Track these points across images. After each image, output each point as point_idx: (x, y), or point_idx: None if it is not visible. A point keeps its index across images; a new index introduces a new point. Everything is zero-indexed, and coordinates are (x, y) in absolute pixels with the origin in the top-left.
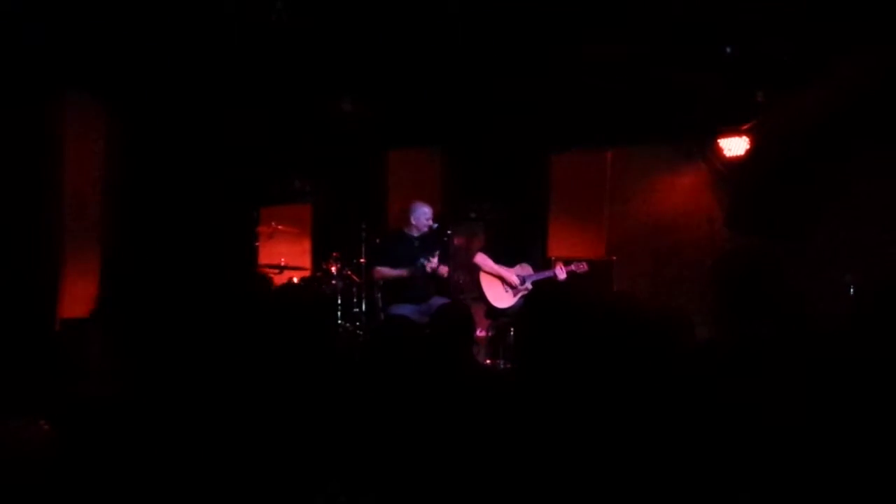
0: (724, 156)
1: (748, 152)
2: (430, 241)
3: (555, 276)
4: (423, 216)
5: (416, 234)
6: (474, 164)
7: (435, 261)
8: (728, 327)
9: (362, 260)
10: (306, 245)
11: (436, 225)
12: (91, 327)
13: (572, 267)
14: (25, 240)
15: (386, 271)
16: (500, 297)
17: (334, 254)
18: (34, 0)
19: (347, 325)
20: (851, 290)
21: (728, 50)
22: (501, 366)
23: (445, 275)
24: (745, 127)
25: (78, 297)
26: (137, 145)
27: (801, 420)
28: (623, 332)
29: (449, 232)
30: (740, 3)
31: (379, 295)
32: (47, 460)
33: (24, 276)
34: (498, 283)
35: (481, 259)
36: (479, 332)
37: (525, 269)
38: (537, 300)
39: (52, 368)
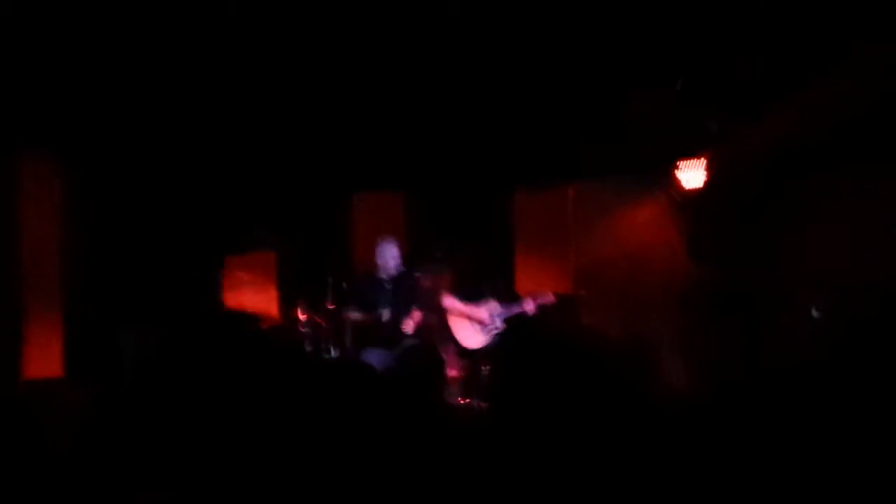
0: (681, 186)
1: (705, 181)
2: (400, 284)
3: (523, 311)
4: (390, 258)
5: (385, 276)
6: (438, 205)
7: (411, 323)
8: (697, 359)
9: (330, 305)
10: (272, 293)
11: (402, 267)
12: (57, 387)
13: (539, 299)
14: None
15: (354, 316)
16: (471, 338)
17: (301, 301)
18: None
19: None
20: (815, 315)
21: (678, 86)
22: (476, 405)
23: (417, 320)
24: (700, 156)
25: (42, 358)
26: (95, 200)
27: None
28: (589, 368)
29: (417, 275)
30: (693, 34)
31: (349, 339)
32: None
33: None
34: (467, 323)
35: (449, 301)
36: (452, 372)
37: (493, 306)
38: (511, 339)
39: (17, 429)
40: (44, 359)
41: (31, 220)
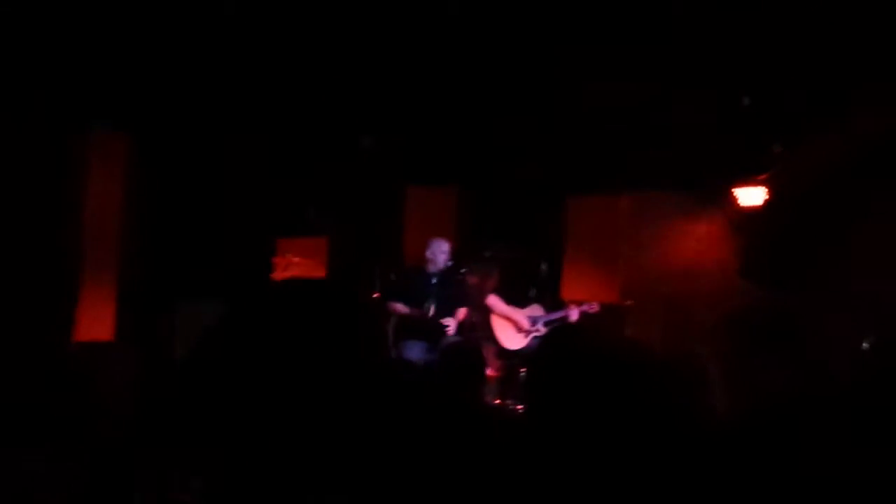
0: (739, 205)
1: (764, 202)
2: (447, 280)
3: (567, 316)
4: (440, 252)
5: (433, 270)
6: (491, 204)
7: (453, 323)
8: (739, 382)
9: (376, 294)
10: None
11: (451, 263)
12: (107, 351)
13: (584, 307)
14: (45, 264)
15: (399, 308)
16: (511, 339)
17: None
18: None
19: None
20: (865, 347)
21: (746, 101)
22: (511, 406)
23: (462, 317)
24: (761, 177)
25: (94, 322)
26: (157, 175)
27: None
28: (634, 384)
29: (463, 271)
30: (757, 53)
31: (391, 331)
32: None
33: (42, 298)
34: (509, 324)
35: (493, 301)
36: (490, 372)
37: (537, 309)
38: (551, 343)
39: (68, 390)
40: (96, 323)
41: (95, 190)
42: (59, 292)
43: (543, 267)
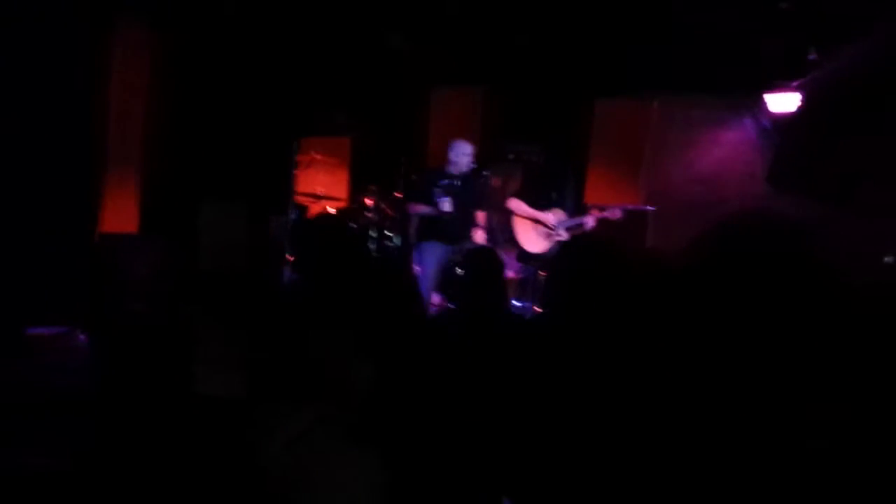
0: (771, 111)
1: (797, 109)
2: (470, 182)
3: (586, 222)
4: (463, 154)
5: (455, 172)
6: (516, 106)
7: (481, 234)
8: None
9: (398, 194)
10: (343, 177)
11: (473, 165)
12: (130, 243)
13: (606, 213)
14: (71, 157)
15: (419, 208)
16: (533, 242)
17: (371, 187)
18: None
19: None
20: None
21: (784, 4)
22: (530, 307)
23: (482, 221)
24: (795, 83)
25: (117, 214)
26: (182, 71)
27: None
28: (649, 298)
29: (486, 173)
30: None
31: (413, 230)
32: (83, 369)
33: (69, 190)
34: (531, 227)
35: (515, 204)
36: (510, 274)
37: (558, 214)
38: (572, 250)
39: (91, 279)
40: (121, 215)
41: (120, 84)
42: (85, 185)
43: (566, 170)
